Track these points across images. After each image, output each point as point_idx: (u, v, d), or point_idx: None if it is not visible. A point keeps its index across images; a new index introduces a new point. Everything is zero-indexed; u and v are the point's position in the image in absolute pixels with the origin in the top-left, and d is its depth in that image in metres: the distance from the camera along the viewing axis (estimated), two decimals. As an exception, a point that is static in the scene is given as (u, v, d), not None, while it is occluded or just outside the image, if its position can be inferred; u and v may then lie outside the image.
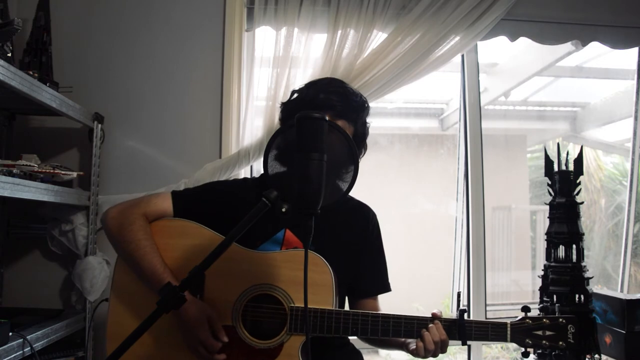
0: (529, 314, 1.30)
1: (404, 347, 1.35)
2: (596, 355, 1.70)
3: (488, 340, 1.31)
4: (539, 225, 3.61)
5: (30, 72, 1.61)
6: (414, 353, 1.30)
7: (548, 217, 1.88)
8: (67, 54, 2.11)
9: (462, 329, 1.28)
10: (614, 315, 1.99)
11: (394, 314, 1.30)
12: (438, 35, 2.14)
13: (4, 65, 1.36)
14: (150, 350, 1.28)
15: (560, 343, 1.28)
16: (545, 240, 1.86)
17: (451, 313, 2.58)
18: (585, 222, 3.53)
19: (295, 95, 1.48)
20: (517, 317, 1.31)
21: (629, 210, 2.70)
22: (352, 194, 1.09)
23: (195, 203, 1.42)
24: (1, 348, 1.39)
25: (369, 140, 1.53)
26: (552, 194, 1.87)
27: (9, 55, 1.58)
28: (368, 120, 1.50)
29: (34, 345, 1.52)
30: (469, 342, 1.31)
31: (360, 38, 2.11)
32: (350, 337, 1.54)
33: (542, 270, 1.85)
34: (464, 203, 2.41)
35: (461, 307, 1.33)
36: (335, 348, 1.45)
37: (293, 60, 2.11)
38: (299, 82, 2.08)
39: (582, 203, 1.84)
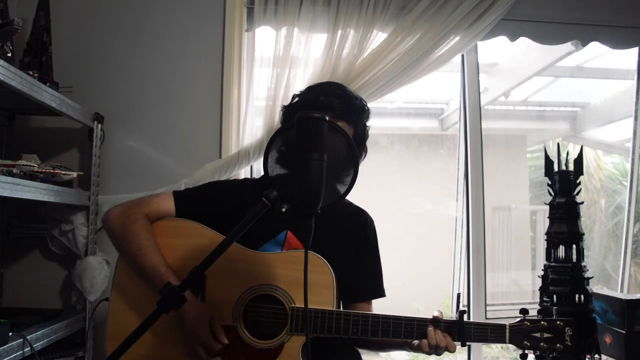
0: (527, 316, 1.31)
1: (405, 345, 1.36)
2: (596, 355, 1.70)
3: (487, 342, 1.32)
4: (539, 225, 3.61)
5: (30, 72, 1.61)
6: (417, 349, 1.31)
7: (548, 217, 1.88)
8: (67, 54, 2.11)
9: (462, 330, 1.29)
10: (614, 315, 1.99)
11: (393, 315, 1.30)
12: (438, 35, 2.14)
13: (4, 65, 1.36)
14: (150, 349, 1.29)
15: (558, 345, 1.29)
16: (545, 240, 1.86)
17: (451, 314, 2.58)
18: (585, 222, 3.53)
19: (296, 99, 1.50)
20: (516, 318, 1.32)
21: (629, 210, 2.70)
22: (352, 194, 1.09)
23: (197, 203, 1.43)
24: (1, 348, 1.39)
25: (368, 141, 1.53)
26: (552, 194, 1.87)
27: (9, 55, 1.58)
28: (368, 123, 1.51)
29: (34, 345, 1.51)
30: (468, 343, 1.31)
31: (360, 38, 2.11)
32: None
33: (542, 270, 1.85)
34: (464, 203, 2.41)
35: (461, 308, 1.33)
36: (335, 349, 1.45)
37: (293, 60, 2.11)
38: (299, 82, 2.09)
39: (582, 203, 1.84)
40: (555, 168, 1.88)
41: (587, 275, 1.79)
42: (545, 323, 1.30)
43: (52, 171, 1.73)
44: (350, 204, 1.59)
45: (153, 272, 1.27)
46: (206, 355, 1.23)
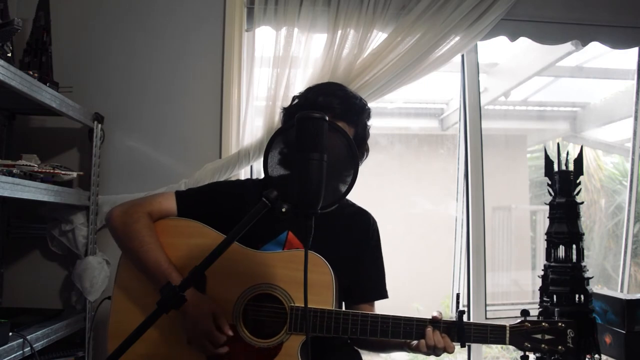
0: (528, 318, 1.31)
1: (404, 346, 1.35)
2: (596, 355, 1.70)
3: (487, 343, 1.31)
4: (539, 225, 3.61)
5: (30, 72, 1.62)
6: (415, 349, 1.30)
7: (548, 217, 1.88)
8: (67, 54, 2.11)
9: (461, 331, 1.28)
10: (614, 315, 1.99)
11: (393, 315, 1.30)
12: (438, 35, 2.14)
13: (4, 65, 1.36)
14: (151, 348, 1.29)
15: (560, 347, 1.28)
16: (545, 240, 1.86)
17: (451, 314, 2.58)
18: (585, 222, 3.53)
19: (296, 100, 1.50)
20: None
21: (629, 210, 2.70)
22: (352, 194, 1.09)
23: (198, 203, 1.43)
24: (1, 348, 1.39)
25: (369, 141, 1.53)
26: (552, 194, 1.87)
27: (9, 55, 1.58)
28: (369, 122, 1.51)
29: (34, 345, 1.52)
30: (467, 344, 1.31)
31: (360, 38, 2.11)
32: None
33: (542, 270, 1.85)
34: (464, 203, 2.41)
35: (460, 308, 1.33)
36: (334, 348, 1.45)
37: (293, 60, 2.11)
38: (299, 82, 2.09)
39: (582, 203, 1.84)
40: (555, 168, 1.88)
41: (587, 275, 1.79)
42: (547, 324, 1.29)
43: (52, 171, 1.73)
44: (353, 204, 1.58)
45: (155, 268, 1.28)
46: (212, 347, 1.23)
